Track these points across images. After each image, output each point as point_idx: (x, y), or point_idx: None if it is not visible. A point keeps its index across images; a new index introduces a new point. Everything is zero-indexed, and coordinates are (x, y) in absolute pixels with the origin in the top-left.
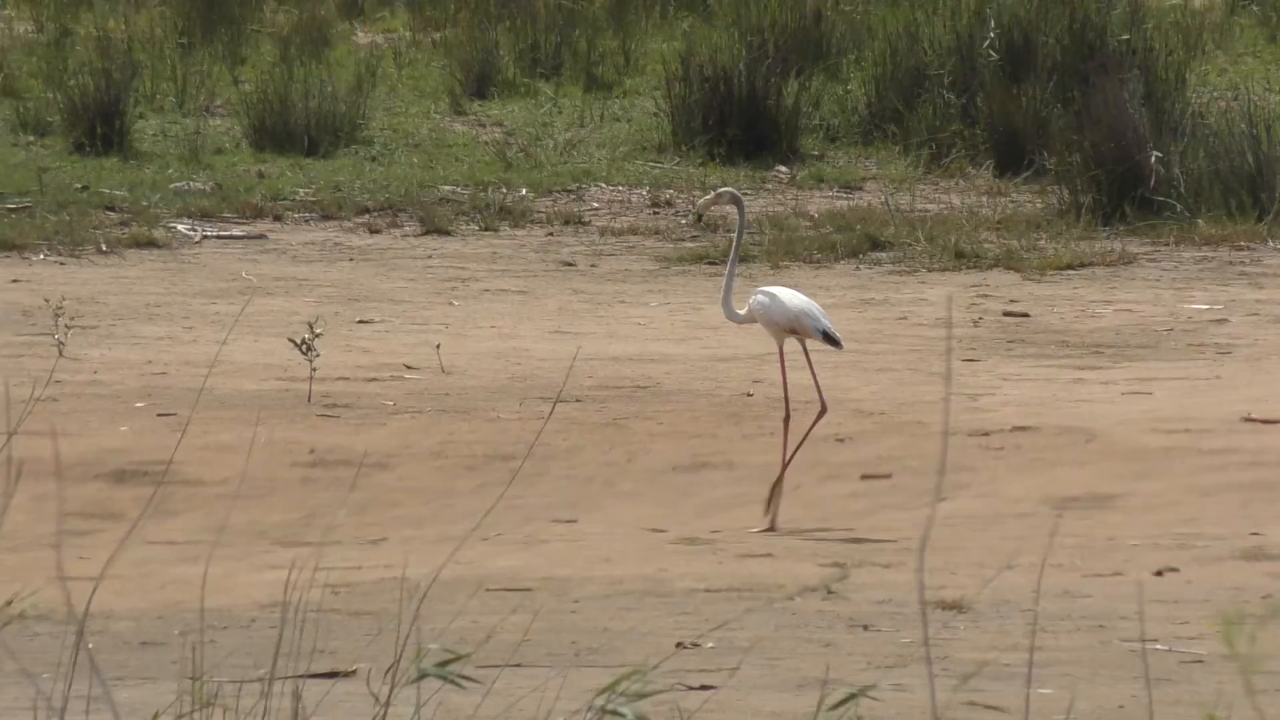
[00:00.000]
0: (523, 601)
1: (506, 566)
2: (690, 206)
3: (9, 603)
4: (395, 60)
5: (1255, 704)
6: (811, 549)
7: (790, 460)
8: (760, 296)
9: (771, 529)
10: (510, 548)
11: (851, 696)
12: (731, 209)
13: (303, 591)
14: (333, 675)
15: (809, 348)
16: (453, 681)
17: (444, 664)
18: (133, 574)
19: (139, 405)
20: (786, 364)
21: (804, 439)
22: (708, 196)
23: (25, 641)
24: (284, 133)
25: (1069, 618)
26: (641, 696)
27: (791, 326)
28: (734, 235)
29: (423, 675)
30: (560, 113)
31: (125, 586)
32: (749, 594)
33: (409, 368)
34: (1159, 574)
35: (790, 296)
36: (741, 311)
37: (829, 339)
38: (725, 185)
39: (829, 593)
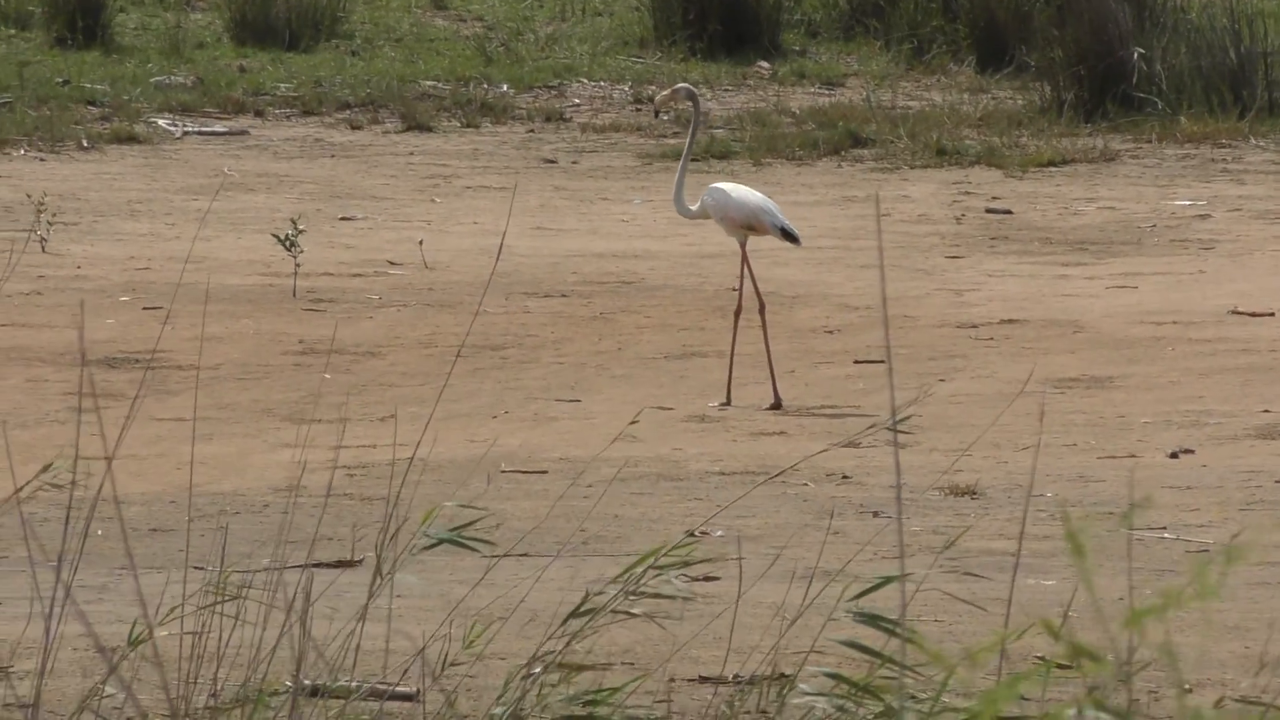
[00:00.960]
0: (536, 484)
1: (520, 445)
2: (672, 102)
3: (47, 467)
4: None
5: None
6: (824, 426)
7: (734, 349)
8: (715, 193)
9: (777, 405)
10: (520, 425)
11: (875, 586)
12: (688, 104)
13: (316, 474)
14: (340, 565)
15: (749, 247)
16: (465, 545)
17: (457, 528)
18: (147, 453)
19: (124, 299)
20: (745, 258)
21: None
22: (664, 93)
23: (38, 526)
24: (265, 26)
25: (1081, 503)
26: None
27: (749, 222)
28: (689, 132)
29: (436, 542)
30: (541, 6)
31: (141, 467)
32: (763, 476)
33: (392, 264)
34: (1174, 455)
35: (746, 193)
36: (693, 207)
37: (787, 235)
38: (698, 82)
39: (844, 478)
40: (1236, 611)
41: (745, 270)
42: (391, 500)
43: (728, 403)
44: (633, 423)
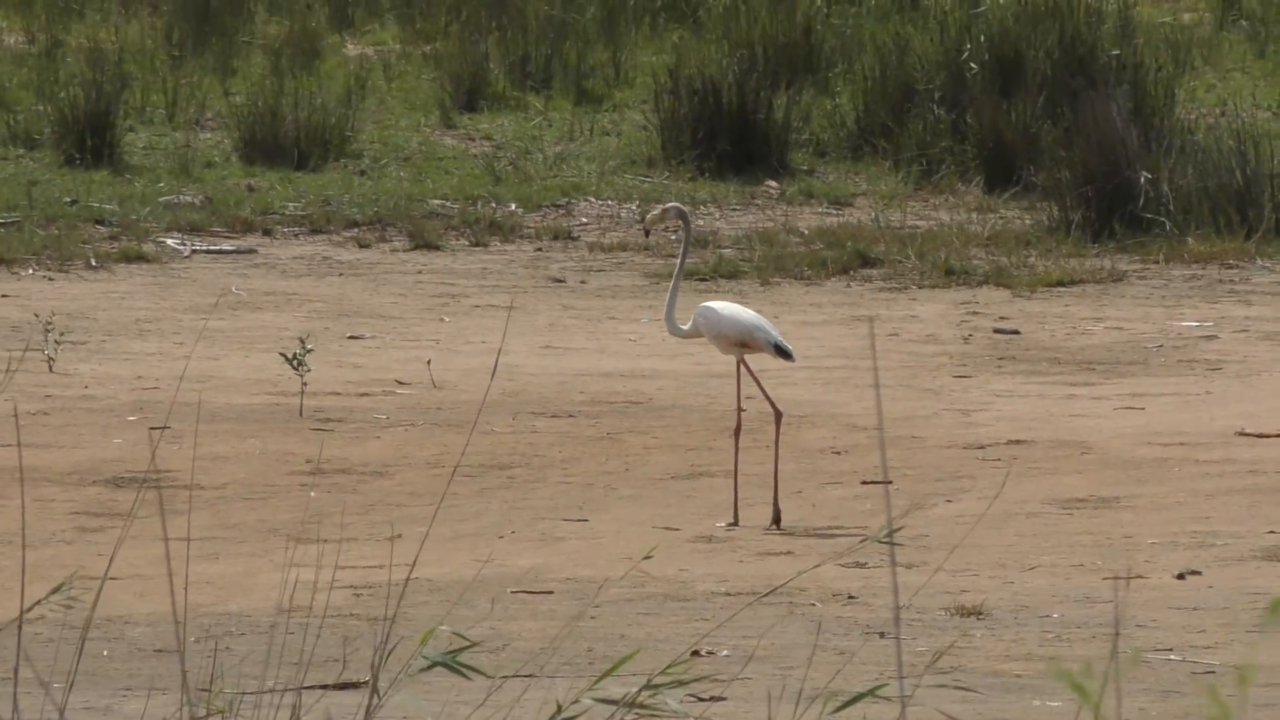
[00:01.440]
0: (543, 605)
1: (527, 566)
2: (693, 219)
3: (57, 588)
4: (385, 72)
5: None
6: (831, 547)
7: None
8: (707, 311)
9: (776, 523)
10: (528, 545)
11: (859, 697)
12: (678, 224)
13: (322, 594)
14: (346, 686)
15: (750, 362)
16: (457, 670)
17: (453, 651)
18: (153, 574)
19: (131, 419)
20: (740, 375)
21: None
22: (654, 212)
23: (39, 648)
24: (274, 145)
25: (1086, 625)
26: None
27: (743, 340)
28: (681, 250)
29: (431, 665)
30: (550, 126)
31: (146, 587)
32: (770, 597)
33: (400, 383)
34: (1181, 577)
35: (738, 310)
36: (685, 326)
37: (781, 352)
38: (706, 201)
39: (850, 598)
40: None
41: (745, 383)
42: (389, 619)
43: (735, 523)
44: (647, 558)
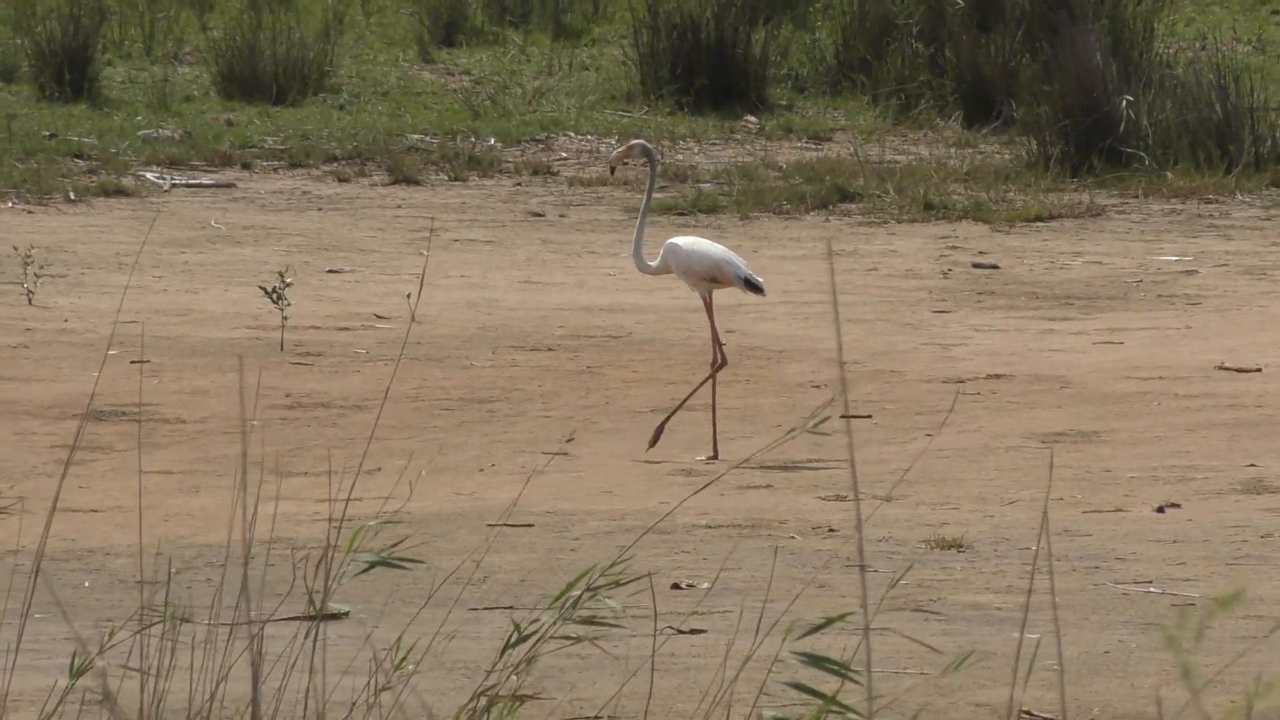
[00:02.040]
0: (522, 538)
1: (507, 499)
2: (659, 156)
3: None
4: (363, 7)
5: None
6: (811, 479)
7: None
8: (675, 247)
9: (715, 457)
10: (508, 479)
11: (827, 622)
12: (644, 161)
13: (302, 527)
14: (329, 617)
15: (716, 299)
16: (395, 565)
17: (389, 548)
18: (133, 505)
19: (111, 353)
20: (712, 311)
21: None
22: (619, 149)
23: (19, 579)
24: (252, 80)
25: (1066, 558)
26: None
27: (713, 274)
28: (646, 188)
29: (371, 564)
30: (528, 61)
31: (128, 519)
32: (750, 530)
33: (380, 317)
34: (1160, 510)
35: (707, 245)
36: (653, 263)
37: (751, 285)
38: (685, 136)
39: (830, 531)
40: (1222, 665)
41: (715, 320)
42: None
43: (715, 456)
44: (569, 439)
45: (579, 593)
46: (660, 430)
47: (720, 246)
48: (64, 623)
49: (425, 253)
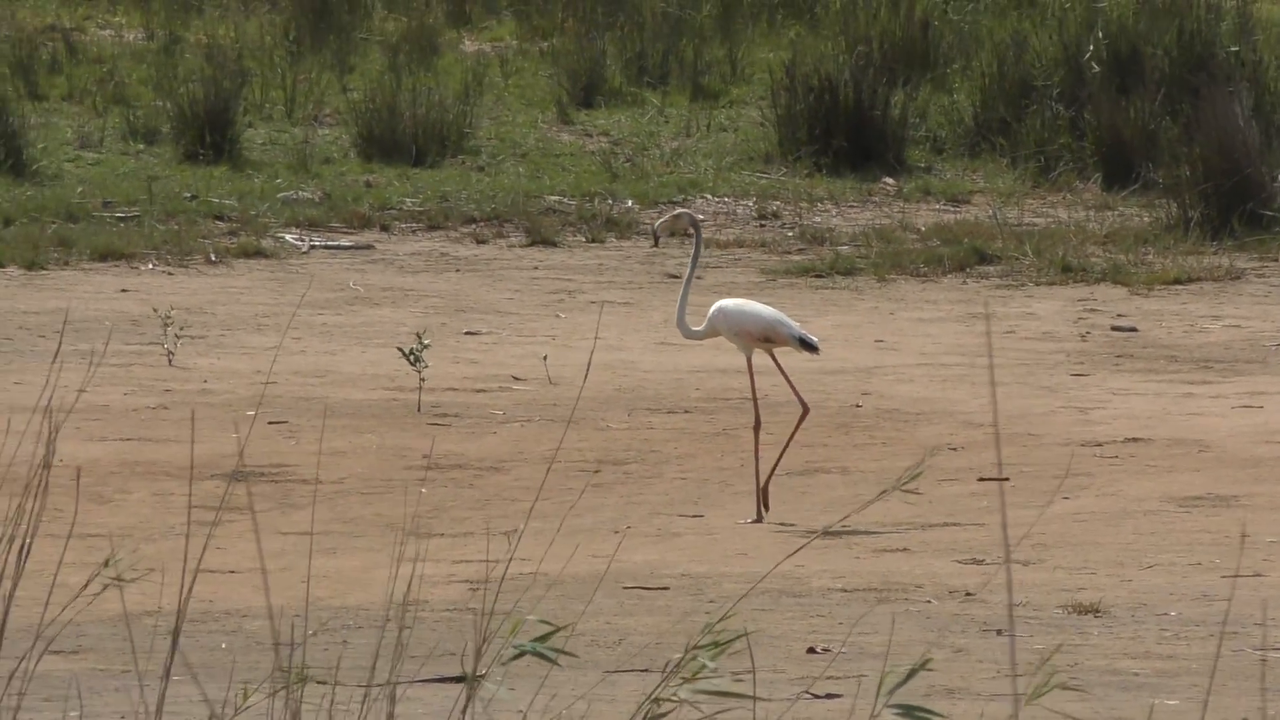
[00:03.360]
0: (658, 600)
1: (642, 561)
2: (796, 217)
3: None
4: (502, 69)
5: None
6: (949, 542)
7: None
8: (725, 309)
9: (759, 520)
10: (643, 541)
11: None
12: (689, 231)
13: (438, 589)
14: (453, 680)
15: (778, 355)
16: (545, 657)
17: (541, 638)
18: (271, 567)
19: (249, 413)
20: (752, 373)
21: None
22: (664, 218)
23: (158, 640)
24: (391, 142)
25: (1204, 623)
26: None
27: (766, 335)
28: (691, 256)
29: (519, 654)
30: (666, 122)
31: (263, 581)
32: (886, 594)
33: (516, 379)
34: None
35: (758, 306)
36: (697, 328)
37: (805, 345)
38: (823, 198)
39: (967, 595)
40: None
41: (752, 382)
42: (487, 613)
43: (759, 519)
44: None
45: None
46: (762, 496)
47: (769, 307)
48: (204, 685)
49: (561, 315)
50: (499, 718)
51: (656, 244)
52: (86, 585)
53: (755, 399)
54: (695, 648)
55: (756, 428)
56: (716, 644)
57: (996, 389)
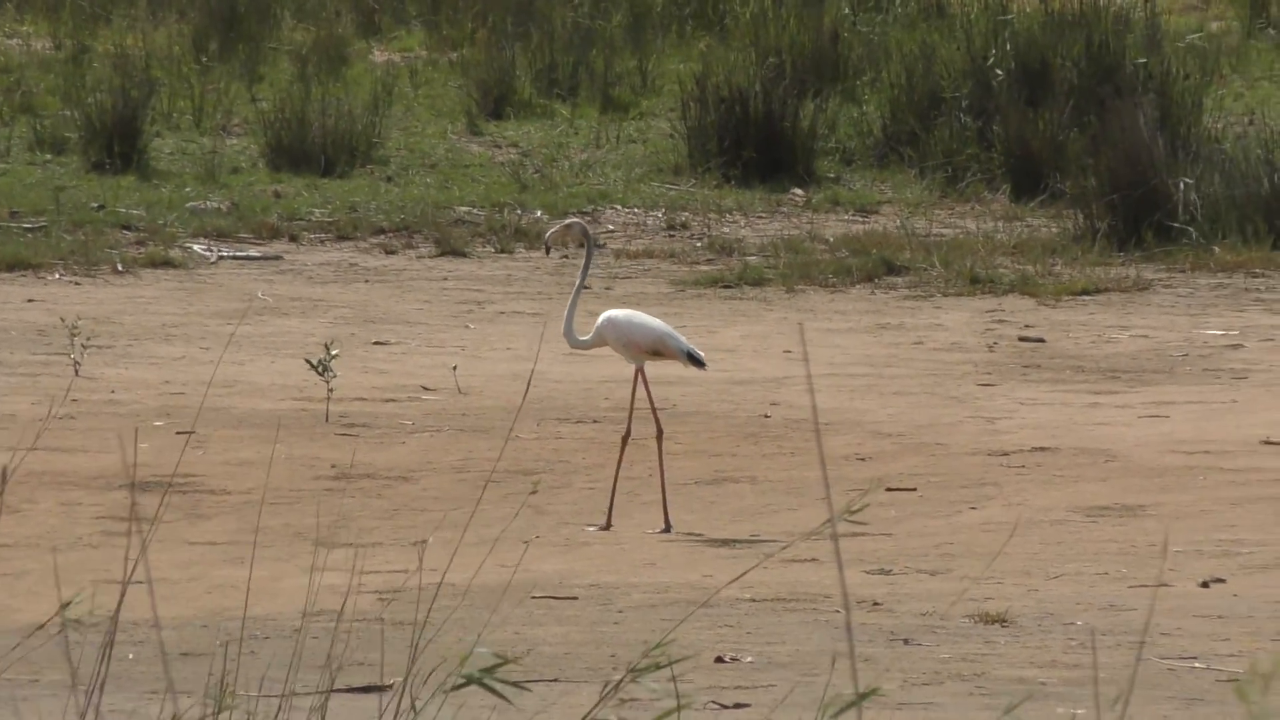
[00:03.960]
0: (567, 610)
1: (552, 571)
2: (705, 228)
3: (66, 605)
4: (411, 79)
5: None
6: (856, 552)
7: (663, 480)
8: (615, 319)
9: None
10: (552, 550)
11: (862, 697)
12: (581, 239)
13: (347, 598)
14: (370, 689)
15: (648, 373)
16: (493, 690)
17: (489, 669)
18: (178, 577)
19: (157, 424)
20: (635, 385)
21: (660, 461)
22: (556, 228)
23: (64, 649)
24: (300, 152)
25: (1111, 632)
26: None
27: (655, 348)
28: (582, 265)
29: (466, 681)
30: (576, 133)
31: (172, 591)
32: (794, 604)
33: (426, 389)
34: (1205, 585)
35: (647, 319)
36: (584, 338)
37: (693, 359)
38: (732, 209)
39: (874, 604)
40: None
41: (641, 393)
42: (419, 626)
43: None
44: (533, 492)
45: (623, 678)
46: (610, 511)
47: (658, 320)
48: (110, 695)
49: (471, 325)
50: None
51: (549, 253)
52: (45, 625)
53: (632, 410)
54: (633, 670)
55: (624, 439)
56: (657, 665)
57: (905, 399)
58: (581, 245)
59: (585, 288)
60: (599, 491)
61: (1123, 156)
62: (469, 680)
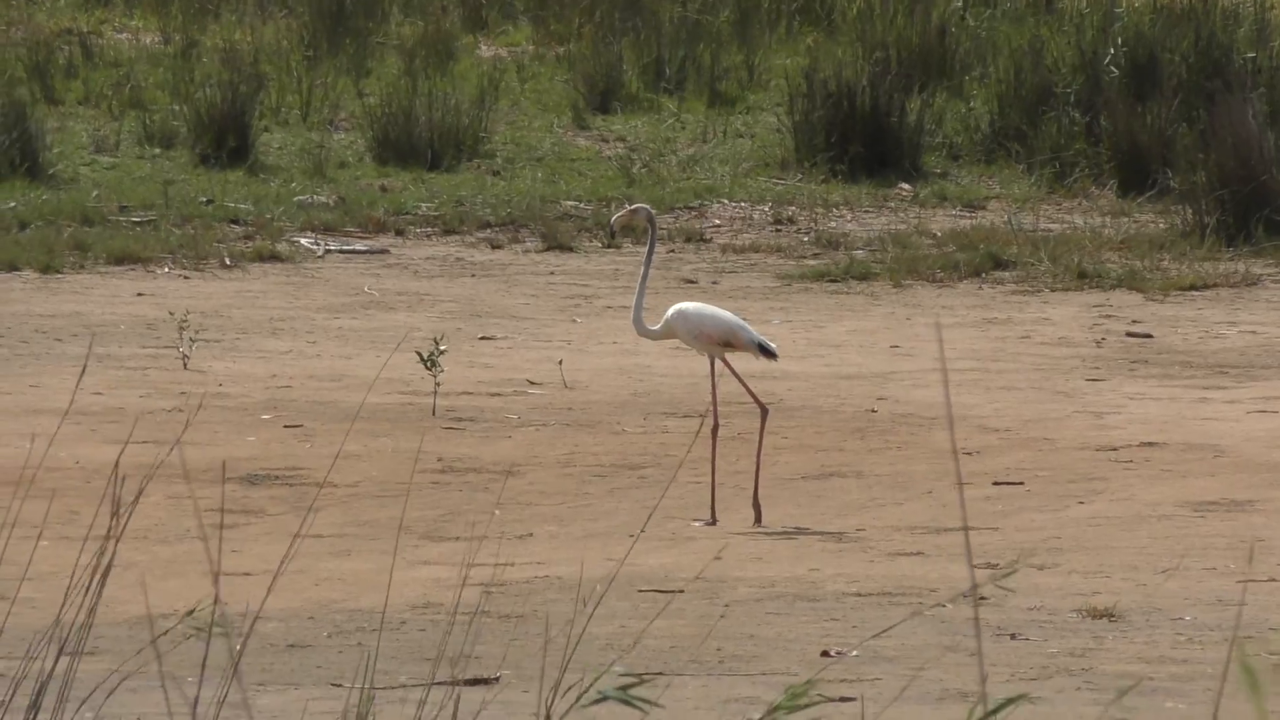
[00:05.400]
0: (672, 604)
1: (657, 565)
2: (812, 223)
3: (190, 613)
4: (518, 74)
5: None
6: (962, 547)
7: (758, 468)
8: (686, 311)
9: (713, 522)
10: (657, 545)
11: (1008, 702)
12: (645, 226)
13: (453, 592)
14: (478, 682)
15: (730, 360)
16: (633, 705)
17: (624, 688)
18: (285, 569)
19: (265, 417)
20: (714, 376)
21: (760, 443)
22: (621, 213)
23: (173, 642)
24: (407, 146)
25: (1219, 628)
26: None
27: (727, 339)
28: (646, 253)
29: (602, 698)
30: (683, 128)
31: (278, 583)
32: (900, 598)
33: (532, 383)
34: None
35: (718, 311)
36: (654, 327)
37: (765, 351)
38: (839, 203)
39: (981, 599)
40: None
41: (716, 384)
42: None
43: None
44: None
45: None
46: (713, 505)
47: (728, 312)
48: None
49: (577, 320)
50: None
51: (614, 238)
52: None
53: (715, 403)
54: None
55: (714, 431)
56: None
57: (1013, 394)
58: (647, 231)
59: (654, 269)
60: (705, 486)
61: (1232, 151)
62: (603, 697)
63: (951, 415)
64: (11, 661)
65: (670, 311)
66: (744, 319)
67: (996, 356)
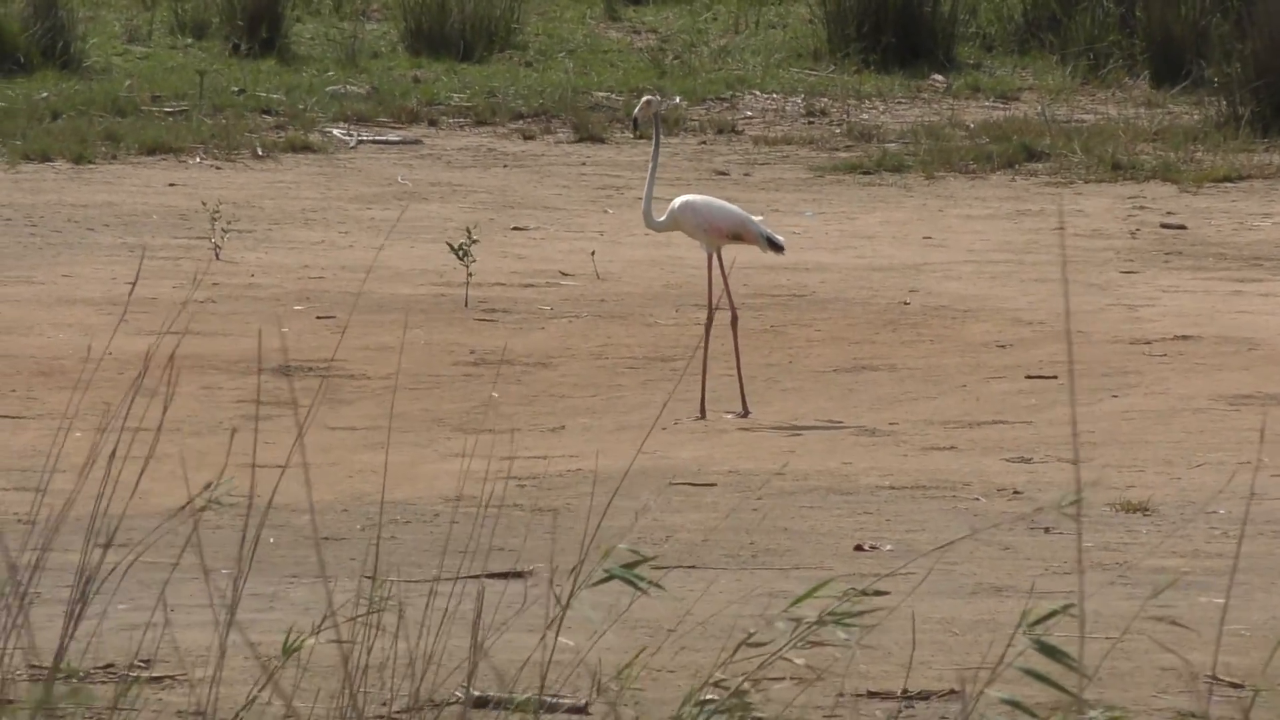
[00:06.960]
0: (705, 497)
1: (690, 458)
2: (844, 115)
3: (208, 486)
4: None
5: None
6: (995, 440)
7: (739, 366)
8: (694, 203)
9: (744, 414)
10: (690, 437)
11: (1053, 613)
12: (656, 117)
13: (487, 484)
14: (509, 575)
15: (721, 258)
16: (635, 585)
17: (629, 565)
18: (319, 461)
19: (297, 308)
20: (710, 269)
21: (736, 344)
22: (640, 106)
23: (208, 534)
24: (440, 37)
25: (1253, 521)
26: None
27: (737, 232)
28: (653, 144)
29: (607, 577)
30: (715, 19)
31: (312, 476)
32: (933, 491)
33: (564, 274)
34: None
35: (726, 204)
36: (660, 219)
37: (773, 244)
38: (871, 94)
39: (1015, 493)
40: None
41: (714, 278)
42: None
43: (746, 412)
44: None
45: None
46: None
47: (734, 205)
48: (251, 578)
49: (609, 210)
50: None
51: (636, 129)
52: (187, 505)
53: (710, 296)
54: (828, 614)
55: (708, 326)
56: (847, 615)
57: (1045, 286)
58: (659, 123)
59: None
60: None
61: (1268, 41)
62: (610, 575)
63: (959, 308)
64: (45, 553)
65: (676, 203)
66: (776, 210)
67: (1029, 248)
